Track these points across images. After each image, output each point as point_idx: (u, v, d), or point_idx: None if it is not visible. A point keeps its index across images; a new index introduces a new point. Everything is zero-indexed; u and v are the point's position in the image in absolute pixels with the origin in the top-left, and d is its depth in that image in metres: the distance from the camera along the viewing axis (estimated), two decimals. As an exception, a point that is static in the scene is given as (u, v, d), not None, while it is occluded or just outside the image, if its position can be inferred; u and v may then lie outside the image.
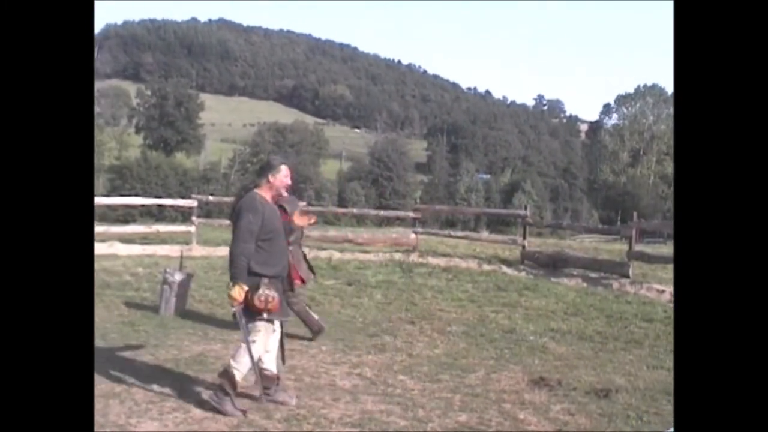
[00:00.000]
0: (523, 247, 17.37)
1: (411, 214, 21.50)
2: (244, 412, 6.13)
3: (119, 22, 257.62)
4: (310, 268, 9.25)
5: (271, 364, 6.57)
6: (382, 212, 38.67)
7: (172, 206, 41.20)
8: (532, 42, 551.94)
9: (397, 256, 17.61)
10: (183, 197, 32.48)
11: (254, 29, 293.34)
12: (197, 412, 6.18)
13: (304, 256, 9.27)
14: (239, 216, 6.18)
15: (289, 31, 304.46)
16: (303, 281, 8.91)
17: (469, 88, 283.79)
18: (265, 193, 6.33)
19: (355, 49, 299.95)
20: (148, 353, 8.15)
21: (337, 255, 17.48)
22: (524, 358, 8.63)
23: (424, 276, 14.98)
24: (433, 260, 16.98)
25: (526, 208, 19.97)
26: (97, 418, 5.84)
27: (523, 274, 15.73)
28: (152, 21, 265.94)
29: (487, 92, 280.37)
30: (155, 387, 6.82)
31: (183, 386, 6.89)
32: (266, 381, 6.52)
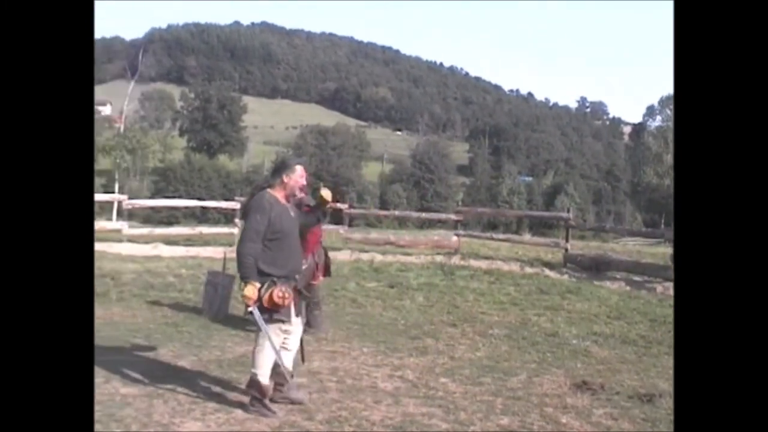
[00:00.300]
0: (566, 250, 17.30)
1: (453, 217, 21.51)
2: (273, 413, 6.19)
3: (163, 25, 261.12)
4: (328, 268, 9.63)
5: (287, 363, 6.57)
6: (423, 214, 38.59)
7: (215, 208, 41.52)
8: (574, 43, 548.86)
9: (439, 258, 17.62)
10: (226, 199, 32.69)
11: (296, 32, 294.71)
12: (240, 413, 6.21)
13: (326, 254, 9.52)
14: (247, 216, 6.28)
15: (331, 34, 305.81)
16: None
17: (511, 90, 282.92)
18: (277, 192, 6.35)
19: (397, 51, 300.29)
20: (191, 354, 8.22)
21: (379, 257, 17.53)
22: (567, 361, 8.57)
23: (466, 278, 14.96)
24: (475, 263, 16.96)
25: (568, 211, 19.88)
26: (141, 418, 5.93)
27: (566, 277, 15.66)
28: (196, 25, 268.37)
29: (530, 94, 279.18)
30: (198, 388, 6.88)
31: (226, 387, 6.95)
32: (279, 378, 6.56)
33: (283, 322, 6.31)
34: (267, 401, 6.26)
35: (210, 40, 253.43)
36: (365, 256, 17.55)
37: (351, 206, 25.86)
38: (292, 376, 6.62)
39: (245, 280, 6.07)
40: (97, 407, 6.11)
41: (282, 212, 6.28)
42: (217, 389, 6.86)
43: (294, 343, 6.61)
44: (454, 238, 19.67)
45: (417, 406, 6.60)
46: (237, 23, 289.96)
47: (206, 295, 10.73)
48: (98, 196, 32.72)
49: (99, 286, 12.33)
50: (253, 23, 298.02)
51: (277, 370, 6.49)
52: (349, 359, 8.37)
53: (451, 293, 13.29)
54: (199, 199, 53.69)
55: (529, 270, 16.24)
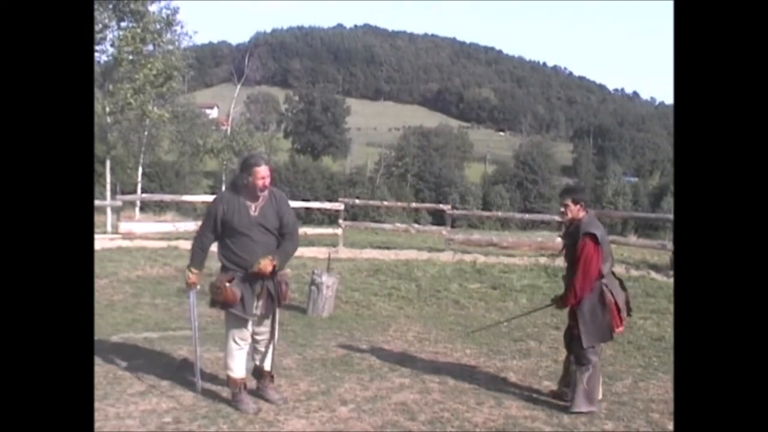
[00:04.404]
0: (673, 252, 16.90)
1: (557, 218, 21.24)
2: (249, 407, 6.24)
3: (268, 29, 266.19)
4: (628, 307, 6.91)
5: (264, 362, 6.63)
6: (527, 216, 38.23)
7: (319, 209, 41.92)
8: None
9: (543, 260, 17.42)
10: (330, 200, 33.06)
11: (399, 34, 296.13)
12: (343, 411, 6.29)
13: (622, 285, 6.98)
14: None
15: (433, 35, 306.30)
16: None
17: (616, 90, 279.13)
18: (240, 191, 6.31)
19: (500, 51, 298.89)
20: (295, 353, 8.33)
21: (481, 258, 17.43)
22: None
23: (570, 281, 14.75)
24: (579, 265, 16.69)
25: (675, 212, 19.37)
26: (247, 415, 6.05)
27: (673, 280, 15.30)
28: (300, 28, 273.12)
29: (635, 93, 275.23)
30: (302, 386, 6.98)
31: (329, 386, 7.02)
32: (258, 377, 6.64)
33: (243, 318, 6.33)
34: (242, 395, 6.33)
35: (313, 43, 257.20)
36: (468, 257, 17.48)
37: (453, 207, 25.82)
38: (272, 377, 6.66)
39: (188, 266, 6.58)
40: (203, 403, 6.28)
41: (237, 209, 6.24)
42: (320, 388, 6.95)
43: (265, 345, 6.61)
44: (558, 239, 19.44)
45: (520, 409, 6.57)
46: (340, 26, 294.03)
47: (311, 294, 10.86)
48: (206, 197, 33.43)
49: (207, 284, 12.61)
50: (355, 25, 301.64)
51: (260, 371, 6.60)
52: (451, 361, 8.37)
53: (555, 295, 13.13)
54: (304, 199, 54.40)
55: (634, 272, 15.92)
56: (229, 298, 6.18)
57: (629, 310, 6.90)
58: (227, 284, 6.18)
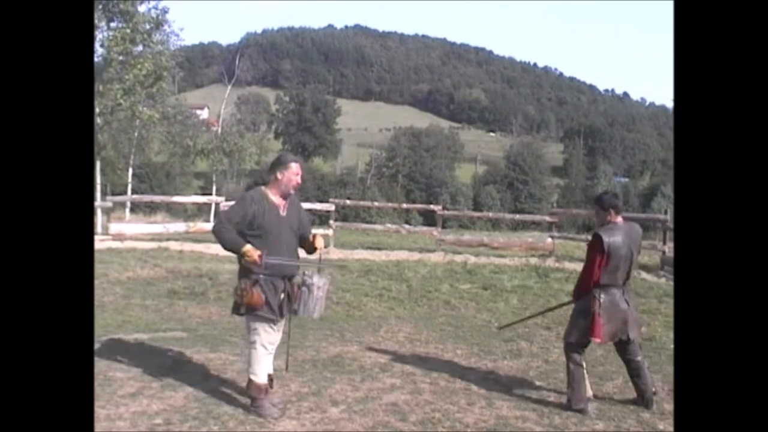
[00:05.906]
0: (663, 252, 16.95)
1: (547, 218, 21.34)
2: (281, 410, 6.20)
3: (259, 30, 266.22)
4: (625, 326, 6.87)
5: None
6: (517, 216, 38.35)
7: (310, 210, 41.88)
8: (671, 42, 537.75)
9: (533, 260, 17.46)
10: (321, 201, 33.00)
11: (390, 34, 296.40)
12: (334, 412, 6.27)
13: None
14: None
15: (424, 36, 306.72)
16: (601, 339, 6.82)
17: (606, 90, 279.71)
18: (270, 190, 6.30)
19: (491, 52, 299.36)
20: (285, 355, 8.31)
21: (472, 259, 17.46)
22: (664, 366, 8.38)
23: (560, 281, 14.79)
24: (569, 265, 16.75)
25: (666, 213, 19.44)
26: (238, 416, 6.04)
27: (663, 280, 15.33)
28: (290, 29, 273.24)
29: (625, 94, 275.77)
30: (293, 387, 6.97)
31: (320, 387, 7.01)
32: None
33: (272, 322, 6.28)
34: (265, 401, 6.24)
35: (304, 43, 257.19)
36: (459, 258, 17.52)
37: (444, 208, 25.82)
38: (271, 381, 6.52)
39: (235, 248, 6.09)
40: (194, 405, 6.26)
41: (268, 209, 6.21)
42: (311, 388, 6.94)
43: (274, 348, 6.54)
44: (549, 240, 19.51)
45: (511, 409, 6.57)
46: (330, 26, 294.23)
47: (301, 295, 10.83)
48: (196, 198, 33.46)
49: (197, 285, 12.62)
50: (346, 26, 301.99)
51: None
52: (442, 361, 8.37)
53: (546, 296, 13.15)
54: (294, 200, 54.18)
55: (625, 272, 15.94)
56: (255, 300, 6.14)
57: (625, 332, 6.87)
58: (252, 287, 6.14)
